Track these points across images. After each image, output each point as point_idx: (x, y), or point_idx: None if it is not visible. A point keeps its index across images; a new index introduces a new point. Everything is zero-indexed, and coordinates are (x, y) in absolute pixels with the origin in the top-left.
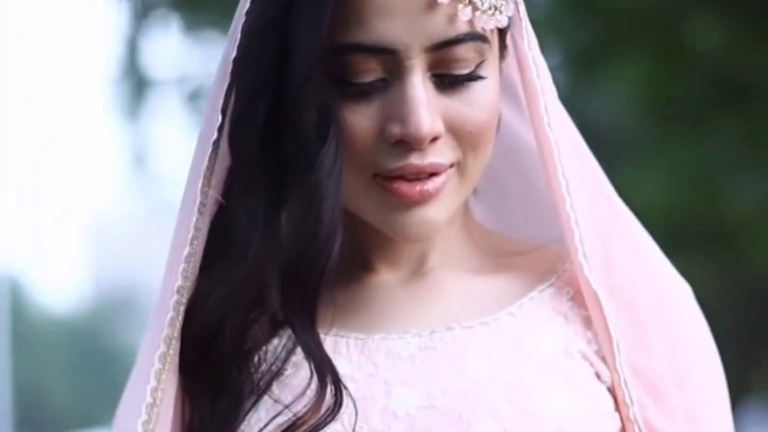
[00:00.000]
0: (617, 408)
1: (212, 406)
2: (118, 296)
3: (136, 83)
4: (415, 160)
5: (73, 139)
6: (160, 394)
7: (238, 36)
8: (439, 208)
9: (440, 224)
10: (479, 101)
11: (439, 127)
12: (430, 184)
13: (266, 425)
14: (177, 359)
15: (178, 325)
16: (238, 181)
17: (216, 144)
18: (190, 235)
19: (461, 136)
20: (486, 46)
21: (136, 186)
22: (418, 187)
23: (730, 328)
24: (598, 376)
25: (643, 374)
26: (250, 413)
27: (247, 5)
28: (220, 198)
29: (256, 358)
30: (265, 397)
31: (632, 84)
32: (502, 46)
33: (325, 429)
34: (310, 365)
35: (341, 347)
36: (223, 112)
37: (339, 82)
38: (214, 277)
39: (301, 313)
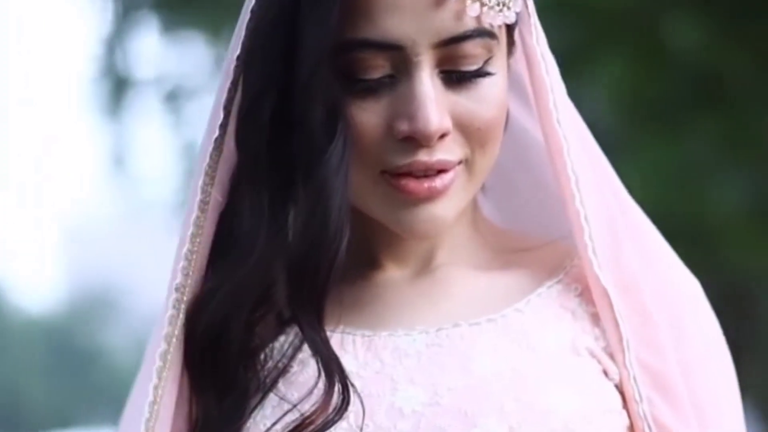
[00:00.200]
0: (625, 405)
1: (218, 403)
2: (94, 296)
3: (115, 83)
4: (423, 156)
5: (52, 139)
6: (160, 391)
7: (243, 33)
8: (447, 205)
9: (448, 221)
10: (487, 98)
11: (447, 123)
12: (438, 181)
13: (274, 424)
14: (178, 357)
15: (179, 323)
16: (244, 179)
17: (219, 141)
18: (189, 233)
19: (469, 132)
20: (494, 42)
21: (114, 186)
22: (426, 184)
23: None
24: (605, 373)
25: (652, 371)
26: (256, 410)
27: (252, 2)
28: (219, 197)
29: (262, 356)
30: (271, 395)
31: (611, 84)
32: (510, 42)
33: (332, 427)
34: (317, 363)
35: (348, 344)
36: (227, 109)
37: (346, 79)
38: (219, 274)
39: (308, 310)
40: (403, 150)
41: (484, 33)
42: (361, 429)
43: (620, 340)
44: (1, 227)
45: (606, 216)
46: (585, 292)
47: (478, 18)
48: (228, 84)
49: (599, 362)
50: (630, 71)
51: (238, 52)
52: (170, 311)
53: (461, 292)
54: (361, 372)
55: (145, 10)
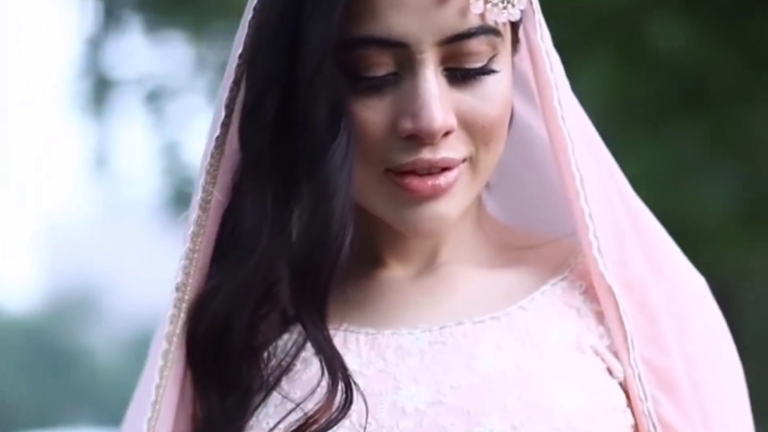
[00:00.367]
0: (629, 404)
1: (221, 402)
2: (75, 296)
3: (97, 83)
4: (427, 154)
5: (33, 138)
6: (161, 391)
7: (246, 31)
8: (451, 203)
9: (452, 219)
10: (492, 95)
11: (451, 121)
12: (442, 179)
13: (277, 424)
14: (180, 356)
15: (180, 322)
16: (247, 177)
17: (221, 140)
18: (190, 232)
19: (474, 130)
20: (498, 39)
21: (95, 185)
22: (429, 182)
23: None
24: (609, 371)
25: (656, 369)
26: (259, 409)
27: (256, 0)
28: (220, 196)
29: (265, 354)
30: (274, 393)
31: (596, 85)
32: (515, 40)
33: (334, 427)
34: (320, 362)
35: (351, 342)
36: (229, 108)
37: (350, 77)
38: (221, 273)
39: (311, 308)
40: (407, 148)
41: (488, 30)
42: (364, 428)
43: (625, 338)
44: None
45: (611, 214)
46: (589, 289)
47: (482, 15)
48: (230, 82)
49: (603, 360)
50: (616, 72)
51: (240, 50)
52: (171, 310)
53: (465, 290)
54: (364, 370)
55: (127, 10)
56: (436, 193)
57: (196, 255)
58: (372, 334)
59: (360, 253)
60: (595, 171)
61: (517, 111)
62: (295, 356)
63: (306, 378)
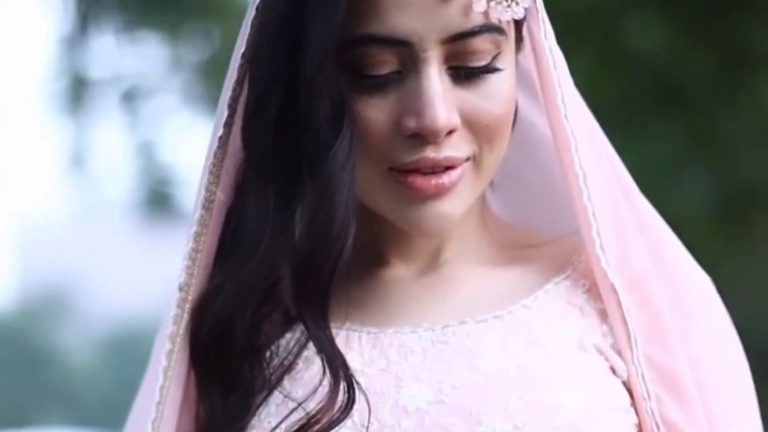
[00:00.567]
0: (633, 403)
1: (223, 401)
2: (49, 296)
3: (73, 83)
4: (431, 153)
5: (8, 138)
6: (165, 392)
7: (248, 31)
8: (455, 202)
9: (455, 218)
10: (495, 94)
11: (455, 120)
12: (446, 178)
13: (279, 423)
14: (184, 355)
15: (183, 322)
16: (250, 176)
17: (224, 140)
18: (193, 231)
19: (477, 129)
20: (502, 37)
21: (71, 185)
22: (433, 181)
23: None
24: (613, 370)
25: (660, 368)
26: (261, 408)
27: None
28: (222, 196)
29: (268, 353)
30: (276, 392)
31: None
32: (519, 38)
33: (336, 427)
34: (322, 361)
35: (353, 341)
36: (232, 107)
37: (353, 75)
38: (224, 272)
39: (314, 307)
40: (411, 146)
41: (492, 28)
42: (366, 427)
43: (628, 336)
44: None
45: (614, 212)
46: (593, 288)
47: (485, 13)
48: (233, 82)
49: (607, 359)
50: (592, 72)
51: (243, 49)
52: (174, 310)
53: (468, 289)
54: (366, 369)
55: (103, 10)
56: (439, 192)
57: (199, 255)
58: (374, 333)
59: (363, 252)
60: (599, 169)
61: (520, 109)
62: (297, 355)
63: (308, 377)
